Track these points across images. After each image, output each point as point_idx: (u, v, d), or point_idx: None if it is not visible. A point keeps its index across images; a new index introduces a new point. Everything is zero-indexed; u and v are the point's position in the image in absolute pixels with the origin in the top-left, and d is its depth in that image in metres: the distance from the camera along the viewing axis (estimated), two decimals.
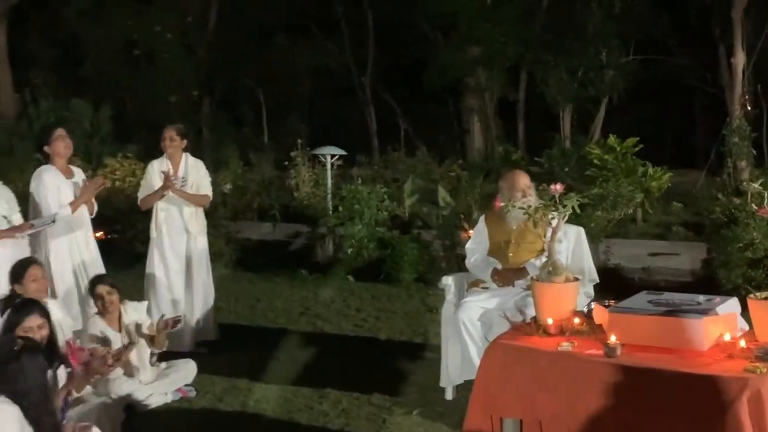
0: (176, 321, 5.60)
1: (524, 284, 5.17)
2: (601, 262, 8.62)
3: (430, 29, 21.35)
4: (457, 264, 8.40)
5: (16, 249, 5.52)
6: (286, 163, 13.06)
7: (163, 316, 5.64)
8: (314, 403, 5.39)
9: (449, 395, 5.37)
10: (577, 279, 4.26)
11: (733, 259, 7.81)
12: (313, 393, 5.56)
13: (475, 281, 5.50)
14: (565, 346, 3.82)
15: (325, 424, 5.06)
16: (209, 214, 7.18)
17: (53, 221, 5.77)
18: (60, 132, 6.13)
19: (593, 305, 4.23)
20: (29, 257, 5.49)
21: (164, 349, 5.65)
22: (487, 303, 5.22)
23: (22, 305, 4.49)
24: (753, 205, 6.46)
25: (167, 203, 6.74)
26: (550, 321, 4.02)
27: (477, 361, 4.54)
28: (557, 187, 4.26)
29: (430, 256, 9.44)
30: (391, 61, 23.12)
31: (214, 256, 7.20)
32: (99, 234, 10.00)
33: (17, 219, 5.62)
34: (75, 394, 4.47)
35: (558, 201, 4.24)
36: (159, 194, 6.65)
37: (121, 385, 5.20)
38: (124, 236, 10.70)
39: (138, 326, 5.50)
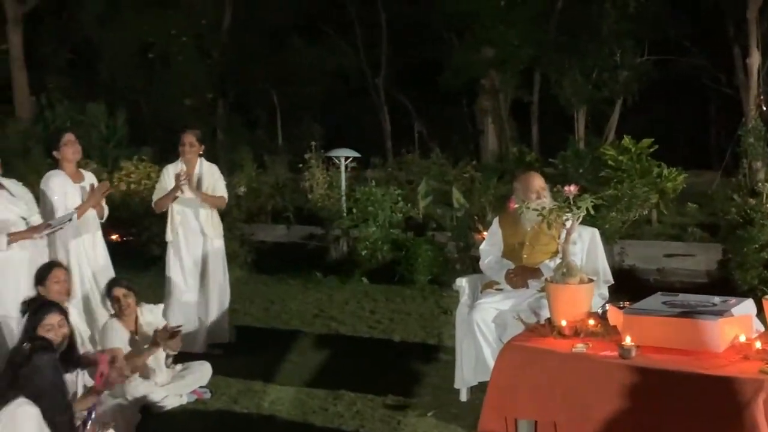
0: (176, 331, 5.57)
1: (538, 286, 5.16)
2: (615, 264, 8.60)
3: (445, 31, 21.36)
4: (471, 266, 8.39)
5: (35, 250, 5.55)
6: (300, 165, 13.10)
7: (166, 326, 5.63)
8: (329, 404, 5.40)
9: (464, 397, 5.37)
10: (591, 280, 4.25)
11: (748, 260, 7.78)
12: (327, 395, 5.57)
13: (489, 283, 5.49)
14: (580, 347, 3.81)
15: (340, 425, 5.07)
16: (224, 216, 7.21)
17: (70, 219, 5.81)
18: (68, 137, 6.15)
19: (608, 307, 4.22)
20: (54, 260, 5.54)
21: (177, 352, 5.68)
22: (502, 304, 5.22)
23: (41, 305, 4.57)
24: None
25: (182, 206, 6.76)
26: (564, 322, 4.01)
27: (491, 363, 4.54)
28: (571, 189, 4.25)
29: (444, 258, 9.44)
30: (404, 62, 23.15)
31: (229, 258, 7.22)
32: (115, 237, 10.08)
33: (36, 220, 5.65)
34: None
35: (572, 202, 4.24)
36: (172, 195, 6.67)
37: (136, 387, 5.23)
38: (139, 239, 10.75)
39: (155, 330, 5.53)
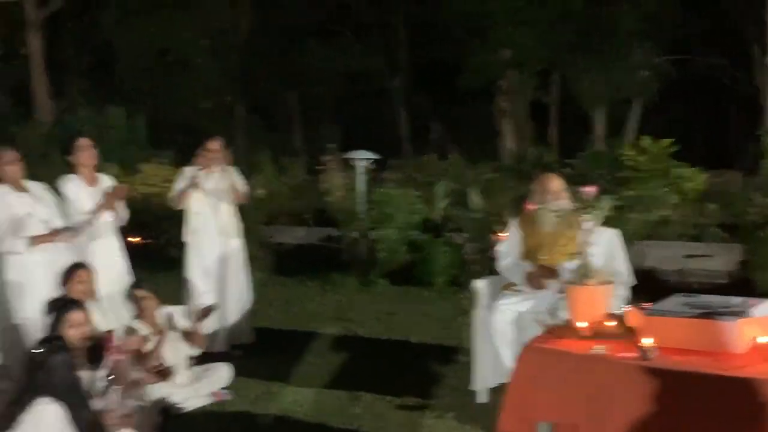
0: (209, 309, 5.65)
1: (557, 287, 5.16)
2: (635, 265, 8.52)
3: (462, 32, 21.32)
4: (490, 267, 8.37)
5: (55, 254, 5.61)
6: (318, 167, 13.12)
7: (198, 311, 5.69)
8: (348, 406, 5.41)
9: (482, 399, 5.37)
10: (610, 281, 4.24)
11: None
12: (346, 396, 5.58)
13: (508, 284, 5.49)
14: (599, 349, 3.81)
15: (359, 427, 5.08)
16: (243, 218, 7.24)
17: (89, 224, 5.86)
18: (83, 142, 6.20)
19: (627, 308, 4.21)
20: (80, 261, 5.60)
21: (204, 348, 5.74)
22: (520, 306, 5.22)
23: (65, 303, 4.65)
24: None
25: (201, 207, 6.80)
26: (583, 324, 4.00)
27: (510, 365, 4.54)
28: (590, 190, 4.24)
29: (463, 260, 9.42)
30: (422, 64, 23.14)
31: (248, 260, 7.26)
32: (136, 239, 10.15)
33: (57, 224, 5.71)
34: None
35: (591, 204, 4.23)
36: (193, 184, 6.71)
37: (157, 389, 5.27)
38: (158, 241, 10.81)
39: (170, 320, 5.58)
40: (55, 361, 3.90)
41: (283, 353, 6.75)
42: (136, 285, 5.70)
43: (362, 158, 11.25)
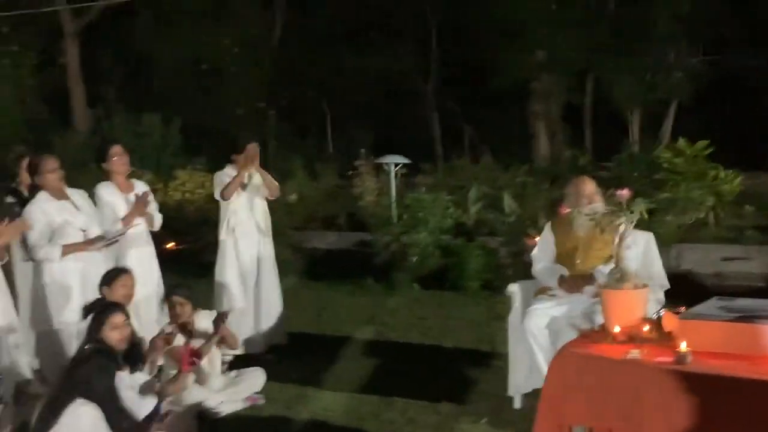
0: (225, 315, 5.70)
1: (592, 291, 5.11)
2: (671, 268, 8.44)
3: (495, 35, 21.27)
4: (524, 271, 8.32)
5: (89, 262, 5.68)
6: (350, 172, 13.15)
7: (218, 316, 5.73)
8: (381, 410, 5.41)
9: (517, 404, 5.33)
10: (645, 285, 4.20)
11: None
12: (380, 401, 5.58)
13: (542, 288, 5.45)
14: (634, 353, 3.76)
15: (393, 431, 5.08)
16: (275, 223, 7.28)
17: (123, 233, 5.93)
18: (116, 149, 6.27)
19: (663, 312, 4.16)
20: (124, 266, 5.67)
21: (237, 348, 5.79)
22: (555, 310, 5.18)
23: (107, 306, 4.71)
24: None
25: (236, 206, 6.85)
26: (618, 328, 3.96)
27: (545, 369, 4.51)
28: (624, 193, 4.20)
29: (496, 264, 9.37)
30: (454, 68, 23.12)
31: (281, 265, 7.30)
32: (171, 245, 10.26)
33: (94, 232, 5.77)
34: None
35: (626, 207, 4.19)
36: (241, 176, 6.77)
37: (192, 394, 5.31)
38: (193, 247, 10.90)
39: (214, 319, 5.64)
40: (101, 362, 3.93)
41: (316, 357, 6.76)
42: (173, 291, 5.75)
43: (394, 162, 11.26)
